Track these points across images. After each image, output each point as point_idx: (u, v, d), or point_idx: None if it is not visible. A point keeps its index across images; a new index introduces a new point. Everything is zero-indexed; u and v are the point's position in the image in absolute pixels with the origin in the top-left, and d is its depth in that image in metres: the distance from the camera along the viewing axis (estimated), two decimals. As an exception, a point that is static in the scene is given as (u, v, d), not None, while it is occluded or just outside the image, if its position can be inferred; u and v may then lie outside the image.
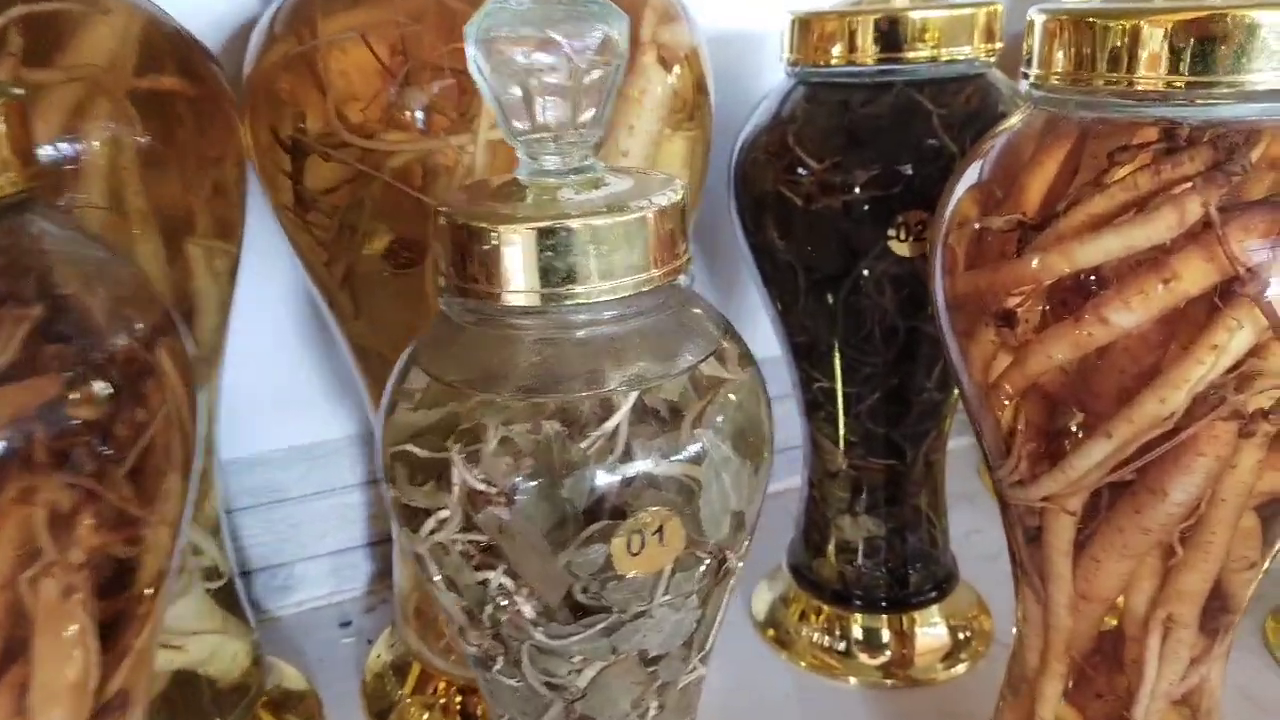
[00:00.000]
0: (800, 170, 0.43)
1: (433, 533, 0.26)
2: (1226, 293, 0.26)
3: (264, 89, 0.39)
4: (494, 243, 0.26)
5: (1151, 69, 0.27)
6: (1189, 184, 0.26)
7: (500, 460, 0.26)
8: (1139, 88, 0.28)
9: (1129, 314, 0.27)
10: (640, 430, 0.26)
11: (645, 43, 0.37)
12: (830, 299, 0.44)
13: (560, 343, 0.27)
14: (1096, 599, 0.31)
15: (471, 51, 0.26)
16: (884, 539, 0.49)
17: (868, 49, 0.42)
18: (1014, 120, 0.32)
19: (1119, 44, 0.28)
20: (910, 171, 0.41)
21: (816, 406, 0.48)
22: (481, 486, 0.26)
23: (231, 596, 0.44)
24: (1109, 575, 0.31)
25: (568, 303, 0.26)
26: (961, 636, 0.50)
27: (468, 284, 0.27)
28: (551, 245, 0.26)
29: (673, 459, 0.26)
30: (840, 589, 0.50)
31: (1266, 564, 0.32)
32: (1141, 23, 0.27)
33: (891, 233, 0.41)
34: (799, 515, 0.52)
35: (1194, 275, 0.26)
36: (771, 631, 0.52)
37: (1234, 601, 0.31)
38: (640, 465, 0.26)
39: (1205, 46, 0.27)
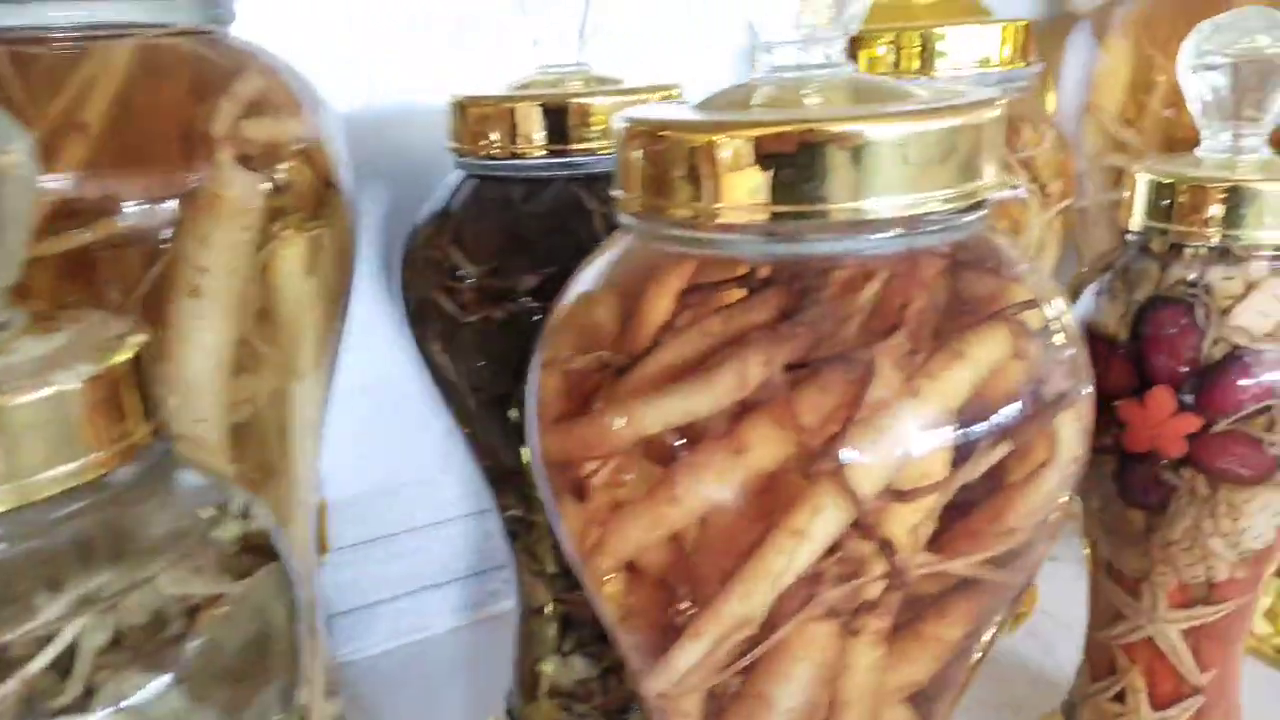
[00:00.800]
0: (460, 274, 0.37)
1: None
2: (804, 468, 0.21)
3: None
4: None
5: (731, 195, 0.23)
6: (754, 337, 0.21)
7: None
8: (720, 220, 0.23)
9: (703, 490, 0.22)
10: (88, 676, 0.20)
11: (220, 139, 0.31)
12: (504, 420, 0.38)
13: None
14: (730, 813, 0.26)
15: None
16: (598, 680, 0.43)
17: (530, 138, 0.37)
18: (619, 238, 0.27)
19: (695, 161, 0.23)
20: (574, 277, 0.36)
21: (514, 536, 0.43)
22: None
23: None
24: (741, 785, 0.26)
25: (-45, 516, 0.19)
26: (691, 783, 0.44)
27: None
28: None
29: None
30: (554, 740, 0.44)
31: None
32: (720, 136, 0.22)
33: (552, 349, 0.36)
34: (514, 655, 0.46)
35: (766, 447, 0.21)
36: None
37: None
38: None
39: (793, 166, 0.22)
